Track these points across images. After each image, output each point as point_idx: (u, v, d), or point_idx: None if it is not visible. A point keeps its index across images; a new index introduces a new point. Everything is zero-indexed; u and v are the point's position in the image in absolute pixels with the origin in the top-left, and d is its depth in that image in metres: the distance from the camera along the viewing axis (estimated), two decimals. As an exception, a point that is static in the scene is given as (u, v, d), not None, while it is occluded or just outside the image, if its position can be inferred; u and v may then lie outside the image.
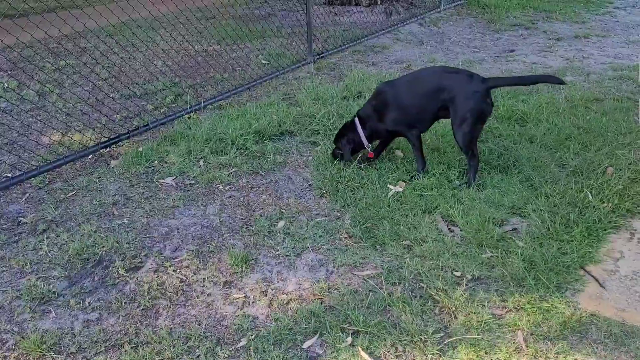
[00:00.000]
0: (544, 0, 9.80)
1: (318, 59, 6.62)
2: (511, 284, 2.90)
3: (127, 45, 7.01)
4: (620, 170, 3.84)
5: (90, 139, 4.64)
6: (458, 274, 2.98)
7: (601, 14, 9.03)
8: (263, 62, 6.78)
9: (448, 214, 3.49)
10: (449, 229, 3.41)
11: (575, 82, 5.77)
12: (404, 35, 7.95)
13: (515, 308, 2.75)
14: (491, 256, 3.12)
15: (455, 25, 8.52)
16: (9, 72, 6.27)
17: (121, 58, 6.75)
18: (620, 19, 8.67)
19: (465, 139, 3.65)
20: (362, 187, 3.80)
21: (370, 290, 2.88)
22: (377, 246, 3.24)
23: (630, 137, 4.35)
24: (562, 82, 3.78)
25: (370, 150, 4.04)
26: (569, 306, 2.75)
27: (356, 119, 3.99)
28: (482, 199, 3.63)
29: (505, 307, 2.76)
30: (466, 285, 2.90)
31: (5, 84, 6.07)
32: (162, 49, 6.91)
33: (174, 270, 3.09)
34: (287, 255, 3.20)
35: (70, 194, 3.92)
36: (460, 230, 3.37)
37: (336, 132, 4.15)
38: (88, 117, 5.08)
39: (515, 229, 3.39)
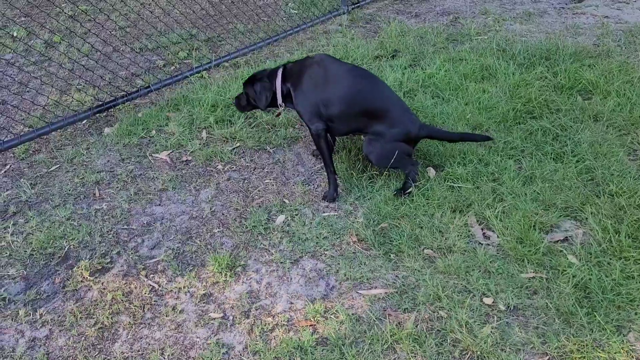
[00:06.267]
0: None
1: (353, 8, 5.84)
2: (557, 319, 2.28)
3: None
4: None
5: (95, 97, 4.18)
6: (489, 301, 2.38)
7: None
8: (292, 11, 6.07)
9: (484, 215, 2.84)
10: (484, 234, 2.77)
11: (656, 42, 4.82)
12: (455, -20, 7.00)
13: (560, 356, 2.14)
14: (534, 277, 2.49)
15: (515, -31, 7.45)
16: (24, 18, 5.83)
17: (141, 4, 6.19)
18: None
19: None
20: (381, 176, 3.17)
21: (376, 319, 2.32)
22: (392, 255, 2.65)
23: None
24: (488, 139, 3.24)
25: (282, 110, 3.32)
26: (631, 357, 2.12)
27: (280, 69, 3.17)
28: (529, 195, 2.95)
29: (547, 354, 2.15)
30: (498, 319, 2.29)
31: (15, 33, 5.62)
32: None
33: (146, 276, 2.61)
34: (281, 262, 2.66)
35: (53, 167, 3.47)
36: (498, 238, 2.73)
37: (251, 75, 3.30)
38: (92, 74, 4.58)
39: (567, 238, 2.72)
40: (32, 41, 5.37)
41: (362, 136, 3.18)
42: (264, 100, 3.17)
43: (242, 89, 3.37)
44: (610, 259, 2.54)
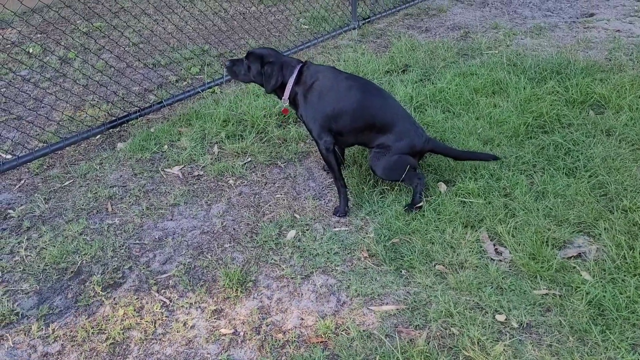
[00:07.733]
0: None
1: (363, 24, 5.88)
2: (570, 337, 2.25)
3: (162, 6, 6.58)
4: None
5: (108, 113, 4.22)
6: (501, 318, 2.35)
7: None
8: (304, 26, 6.12)
9: (496, 230, 2.83)
10: (496, 250, 2.75)
11: (669, 55, 4.79)
12: (465, -5, 7.03)
13: (574, 374, 2.11)
14: (547, 294, 2.46)
15: (526, -16, 7.47)
16: (40, 35, 5.94)
17: (154, 21, 6.29)
18: None
19: None
20: (392, 190, 3.17)
21: (386, 335, 2.31)
22: (403, 271, 2.64)
23: None
24: (495, 158, 3.21)
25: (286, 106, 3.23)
26: (647, 376, 2.09)
27: (298, 68, 3.09)
28: (541, 210, 2.93)
29: (560, 373, 2.12)
30: (510, 336, 2.27)
31: (31, 50, 5.71)
32: (199, 10, 6.40)
33: (157, 291, 2.62)
34: (292, 277, 2.65)
35: (66, 182, 3.51)
36: (510, 254, 2.71)
37: (258, 49, 3.20)
38: (105, 90, 4.65)
39: (580, 254, 2.69)
40: (48, 58, 5.46)
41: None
42: (272, 84, 3.07)
43: (244, 59, 3.20)
44: (625, 275, 2.51)
